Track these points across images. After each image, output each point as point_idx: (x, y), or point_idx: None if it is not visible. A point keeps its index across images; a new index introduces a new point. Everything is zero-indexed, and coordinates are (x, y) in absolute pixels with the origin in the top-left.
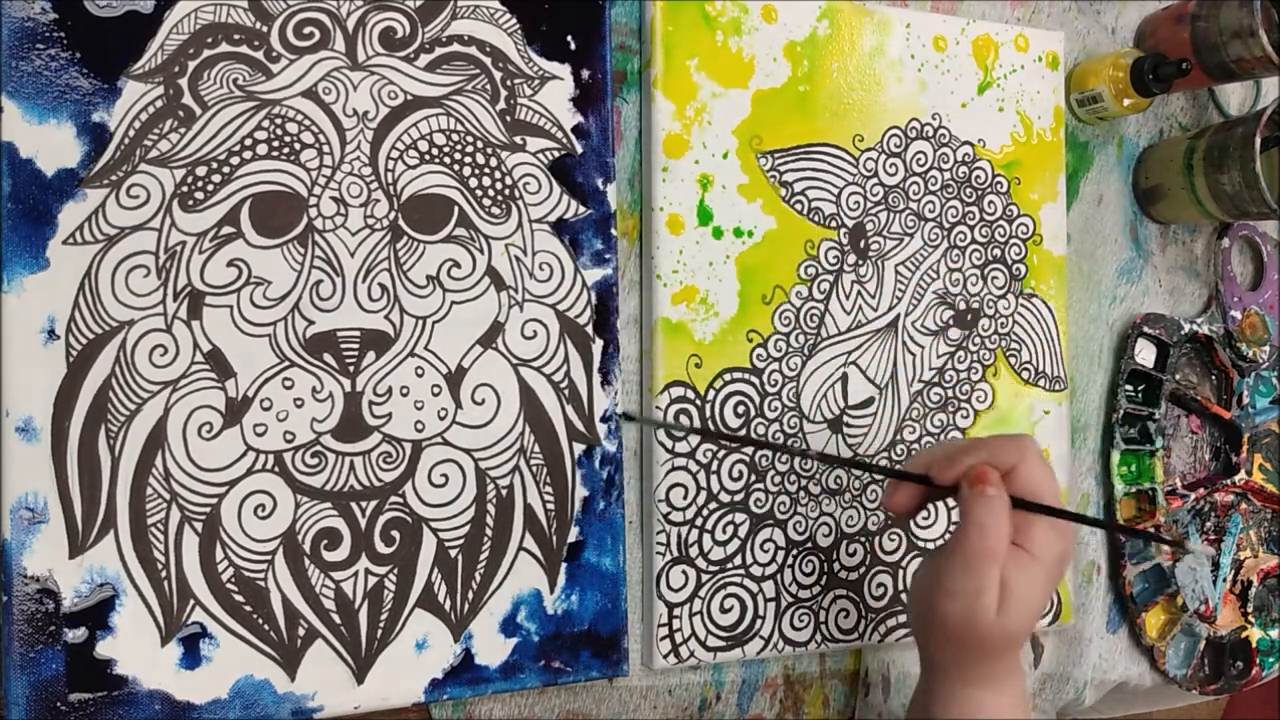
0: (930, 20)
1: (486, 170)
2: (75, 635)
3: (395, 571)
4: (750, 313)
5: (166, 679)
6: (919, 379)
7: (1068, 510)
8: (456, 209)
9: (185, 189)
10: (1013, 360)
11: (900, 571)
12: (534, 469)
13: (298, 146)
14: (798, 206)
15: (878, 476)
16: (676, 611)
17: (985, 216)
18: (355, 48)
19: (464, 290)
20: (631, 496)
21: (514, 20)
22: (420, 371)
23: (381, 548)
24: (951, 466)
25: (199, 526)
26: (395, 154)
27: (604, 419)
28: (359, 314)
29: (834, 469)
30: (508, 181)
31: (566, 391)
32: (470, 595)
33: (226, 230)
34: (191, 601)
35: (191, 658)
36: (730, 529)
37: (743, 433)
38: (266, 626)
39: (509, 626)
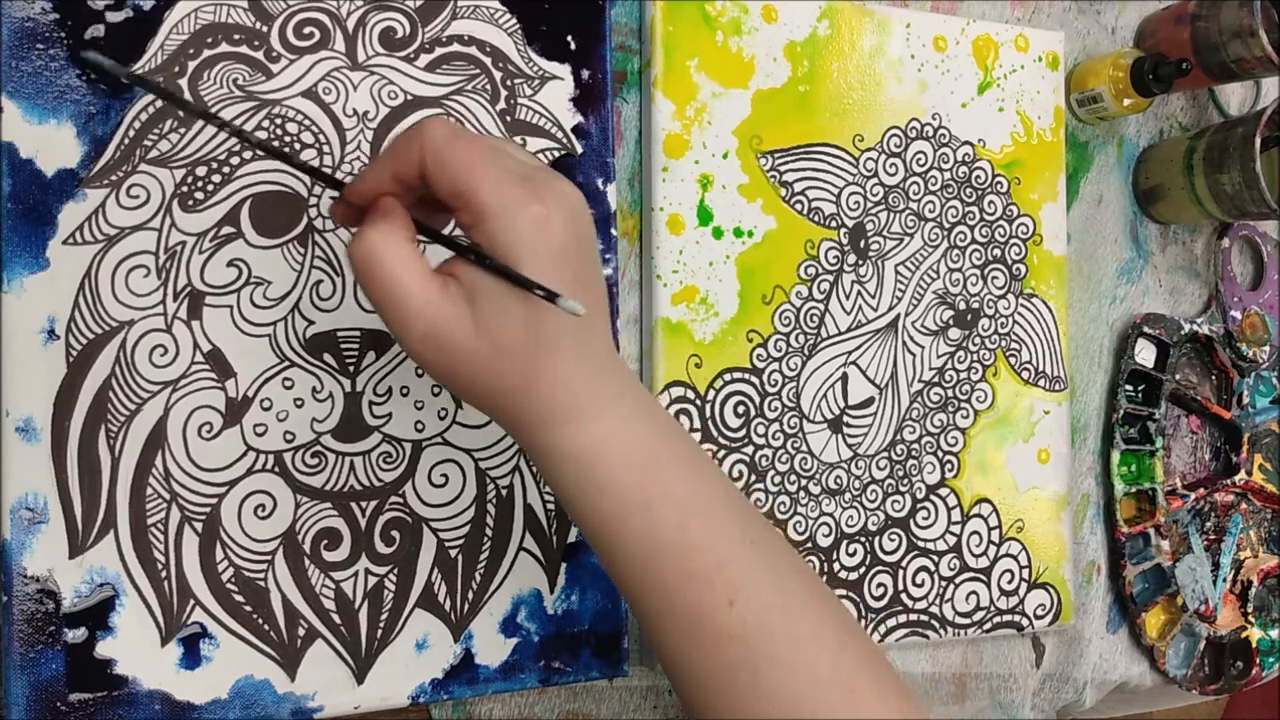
0: (930, 20)
1: None
2: (75, 635)
3: (395, 571)
4: (750, 313)
5: (166, 679)
6: (919, 379)
7: (447, 239)
8: None
9: (185, 189)
10: (1013, 360)
11: (900, 571)
12: (534, 469)
13: (298, 147)
14: (798, 206)
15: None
16: None
17: (985, 216)
18: (355, 48)
19: None
20: None
21: (514, 20)
22: (420, 371)
23: (381, 548)
24: (361, 181)
25: (199, 526)
26: None
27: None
28: (359, 314)
29: (833, 468)
30: None
31: None
32: (470, 595)
33: (226, 230)
34: (191, 601)
35: (191, 658)
36: None
37: (742, 433)
38: (266, 626)
39: (509, 626)
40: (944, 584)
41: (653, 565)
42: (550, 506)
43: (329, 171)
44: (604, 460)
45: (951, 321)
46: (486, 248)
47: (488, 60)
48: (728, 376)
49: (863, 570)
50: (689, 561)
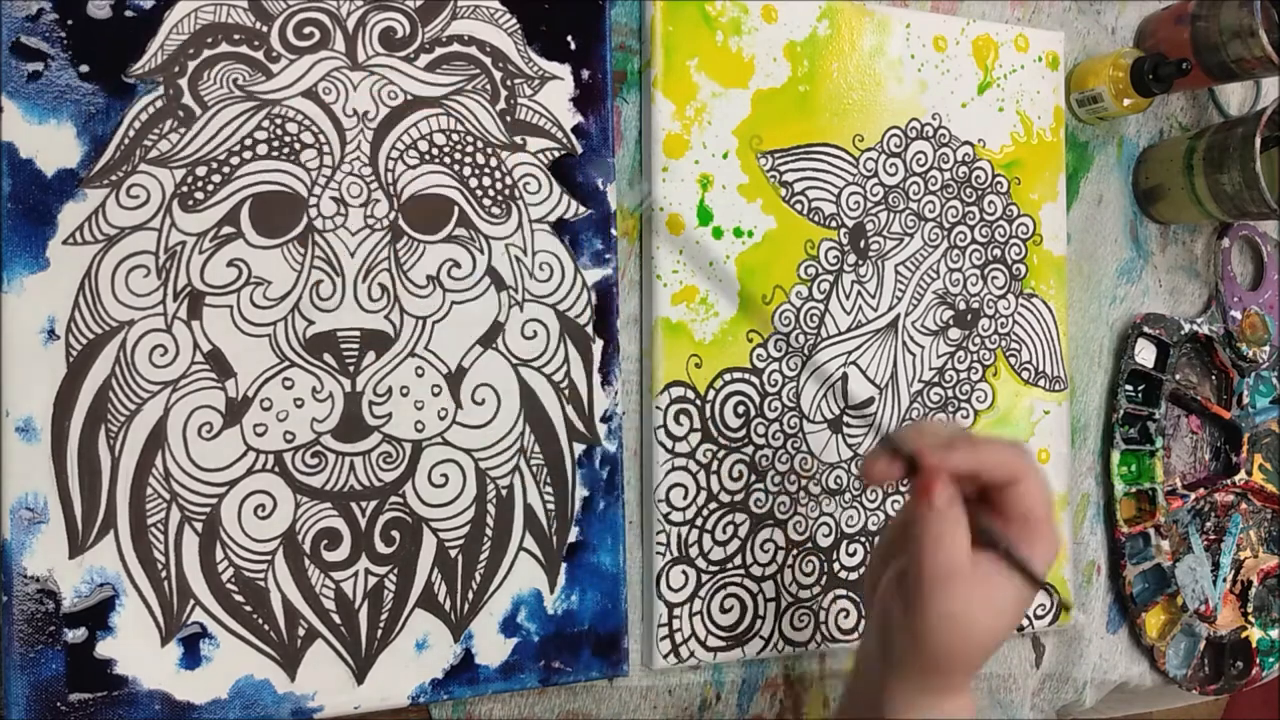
0: (930, 20)
1: (486, 170)
2: (75, 635)
3: (395, 571)
4: (750, 313)
5: (166, 679)
6: (919, 379)
7: (1016, 559)
8: (456, 209)
9: (185, 189)
10: (1013, 360)
11: None
12: (534, 469)
13: (298, 146)
14: (798, 206)
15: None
16: (676, 611)
17: (985, 216)
18: (355, 48)
19: (464, 290)
20: (631, 496)
21: (514, 20)
22: (420, 371)
23: (381, 548)
24: (949, 456)
25: (199, 526)
26: (395, 154)
27: None
28: (359, 314)
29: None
30: (508, 181)
31: (566, 391)
32: (470, 595)
33: (226, 230)
34: (191, 601)
35: (191, 658)
36: (730, 529)
37: (742, 433)
38: (266, 626)
39: (509, 626)
40: None
41: None
42: (550, 506)
43: (327, 176)
44: None
45: (951, 321)
46: (1022, 555)
47: (488, 60)
48: (728, 376)
49: (863, 570)
50: None
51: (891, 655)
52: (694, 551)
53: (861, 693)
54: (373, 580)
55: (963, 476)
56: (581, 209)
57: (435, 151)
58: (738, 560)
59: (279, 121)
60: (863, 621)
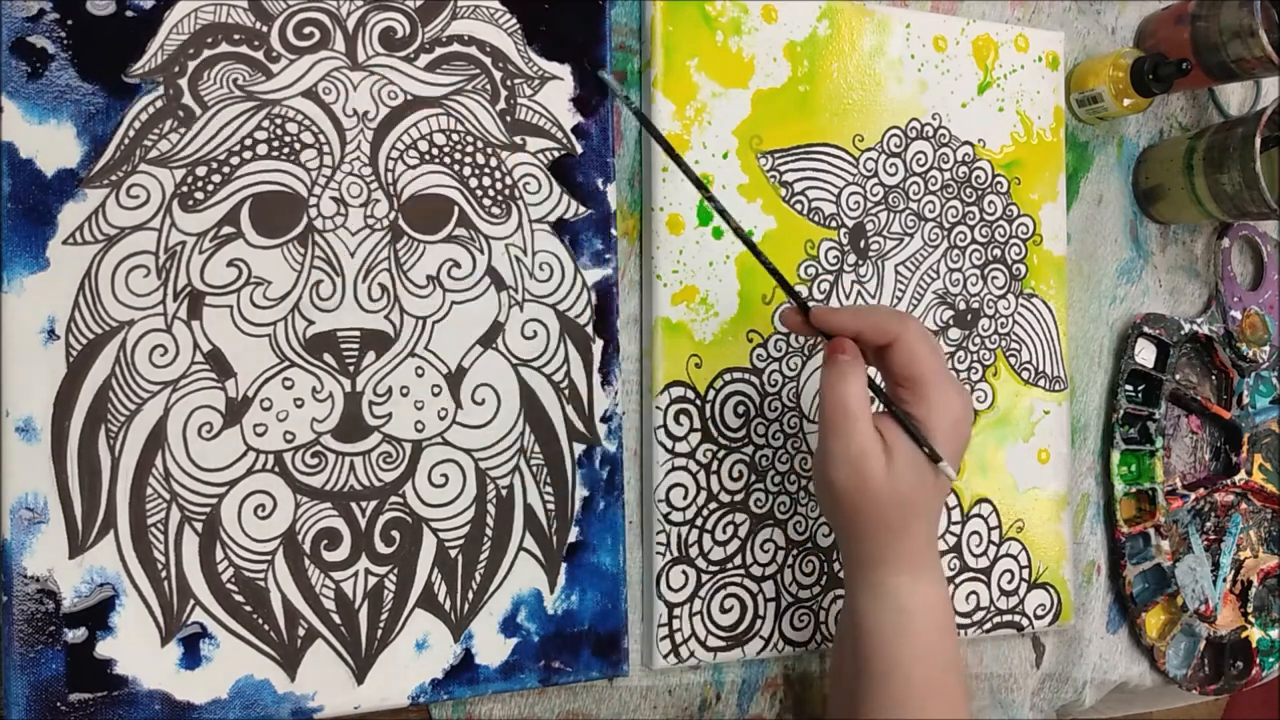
0: (930, 20)
1: (486, 170)
2: (75, 635)
3: (395, 571)
4: (750, 313)
5: (166, 679)
6: None
7: (896, 412)
8: (456, 209)
9: (185, 189)
10: (1013, 360)
11: None
12: (534, 469)
13: (298, 146)
14: (798, 206)
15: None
16: (676, 611)
17: (985, 216)
18: (355, 48)
19: (464, 290)
20: (631, 496)
21: (514, 20)
22: (420, 371)
23: (381, 548)
24: (831, 318)
25: (199, 526)
26: (395, 154)
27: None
28: (359, 314)
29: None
30: (508, 181)
31: (566, 391)
32: (470, 595)
33: (226, 230)
34: (191, 601)
35: (191, 658)
36: (730, 529)
37: (742, 433)
38: (266, 626)
39: (509, 626)
40: None
41: (921, 698)
42: (550, 506)
43: (327, 176)
44: (924, 616)
45: (951, 321)
46: (916, 420)
47: (488, 60)
48: (728, 376)
49: None
50: (941, 702)
51: (837, 521)
52: (694, 551)
53: (842, 614)
54: (373, 580)
55: (847, 338)
56: (581, 209)
57: (435, 151)
58: (738, 560)
59: (279, 121)
60: None
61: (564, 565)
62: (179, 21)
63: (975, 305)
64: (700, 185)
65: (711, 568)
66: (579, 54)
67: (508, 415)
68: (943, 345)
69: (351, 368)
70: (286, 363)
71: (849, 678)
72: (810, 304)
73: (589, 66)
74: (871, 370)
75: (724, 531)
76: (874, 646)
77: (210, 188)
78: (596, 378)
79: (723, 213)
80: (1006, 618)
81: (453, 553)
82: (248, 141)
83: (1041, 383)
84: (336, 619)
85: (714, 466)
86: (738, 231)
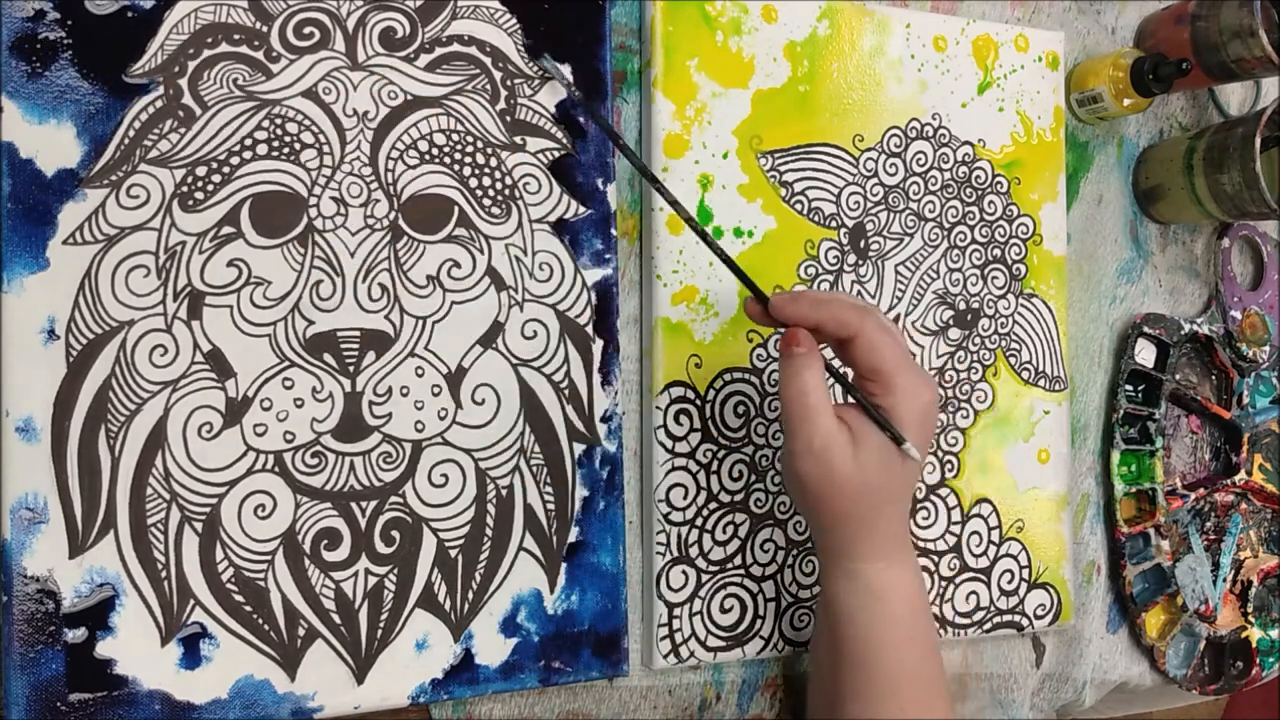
0: (930, 20)
1: (486, 170)
2: (75, 635)
3: (395, 571)
4: None
5: (166, 679)
6: None
7: (864, 402)
8: (456, 209)
9: (185, 189)
10: (1013, 360)
11: None
12: (534, 469)
13: (298, 146)
14: (798, 206)
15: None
16: (676, 611)
17: (985, 216)
18: (355, 48)
19: (464, 290)
20: (631, 496)
21: (514, 20)
22: (420, 371)
23: (381, 548)
24: (788, 309)
25: (199, 526)
26: (395, 154)
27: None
28: (359, 314)
29: None
30: (508, 181)
31: (566, 391)
32: (470, 595)
33: (226, 230)
34: (191, 601)
35: (191, 658)
36: (730, 529)
37: (742, 433)
38: (266, 626)
39: (509, 626)
40: (944, 584)
41: (898, 682)
42: (550, 506)
43: (327, 176)
44: (898, 601)
45: (951, 321)
46: (883, 409)
47: (488, 60)
48: (728, 376)
49: None
50: (919, 686)
51: (809, 514)
52: (694, 551)
53: (819, 606)
54: (373, 580)
55: (807, 329)
56: (581, 209)
57: (435, 151)
58: (738, 560)
59: (279, 121)
60: None
61: (564, 565)
62: (179, 21)
63: (975, 305)
64: (642, 168)
65: (711, 568)
66: (581, 54)
67: (508, 415)
68: (943, 345)
69: (351, 368)
70: (286, 363)
71: (827, 665)
72: (772, 294)
73: (527, 57)
74: (831, 355)
75: (724, 531)
76: (850, 632)
77: (210, 188)
78: (596, 378)
79: (662, 191)
80: (1006, 618)
81: (453, 553)
82: (248, 141)
83: (1041, 383)
84: (336, 619)
85: (714, 466)
86: (675, 204)
